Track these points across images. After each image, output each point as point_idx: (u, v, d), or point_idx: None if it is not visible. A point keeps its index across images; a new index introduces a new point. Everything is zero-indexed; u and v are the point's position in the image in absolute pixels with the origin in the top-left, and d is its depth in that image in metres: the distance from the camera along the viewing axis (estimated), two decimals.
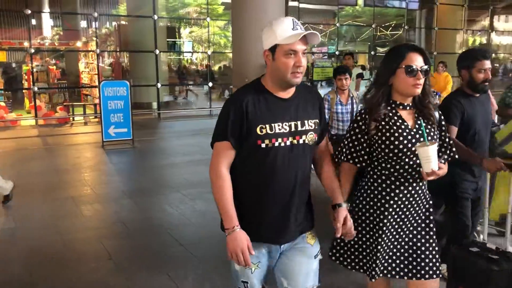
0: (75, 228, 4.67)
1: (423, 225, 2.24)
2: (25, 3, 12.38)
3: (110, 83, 9.69)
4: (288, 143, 1.95)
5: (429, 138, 2.12)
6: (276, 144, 1.93)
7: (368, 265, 2.24)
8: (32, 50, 12.82)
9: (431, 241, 2.25)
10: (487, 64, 3.09)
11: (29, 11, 12.44)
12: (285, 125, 1.94)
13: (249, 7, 10.14)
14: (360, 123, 2.15)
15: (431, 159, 2.00)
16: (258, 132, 1.91)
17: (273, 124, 1.93)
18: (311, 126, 2.00)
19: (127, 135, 9.24)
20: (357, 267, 2.29)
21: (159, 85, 13.96)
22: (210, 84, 15.58)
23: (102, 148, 8.88)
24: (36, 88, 12.70)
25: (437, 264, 2.25)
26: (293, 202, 2.00)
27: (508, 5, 23.28)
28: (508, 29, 25.18)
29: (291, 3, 16.35)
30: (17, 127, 11.94)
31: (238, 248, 1.90)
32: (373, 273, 2.21)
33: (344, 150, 2.21)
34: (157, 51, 13.82)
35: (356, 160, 2.18)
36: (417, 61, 2.06)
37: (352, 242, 2.26)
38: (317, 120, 2.03)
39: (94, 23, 14.10)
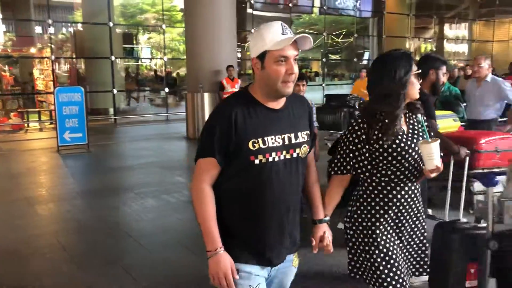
0: (30, 226, 4.95)
1: (419, 225, 2.28)
2: None
3: (65, 89, 9.88)
4: (282, 157, 1.80)
5: (424, 136, 2.15)
6: (270, 159, 1.78)
7: (376, 277, 2.18)
8: None
9: (424, 241, 2.31)
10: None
11: None
12: (278, 138, 1.79)
13: (201, 14, 10.62)
14: (359, 133, 2.10)
15: (433, 156, 2.03)
16: (251, 147, 1.75)
17: (265, 138, 1.77)
18: (304, 138, 1.87)
19: (82, 140, 9.44)
20: (372, 281, 2.20)
21: (115, 91, 14.16)
22: (167, 89, 15.92)
23: (57, 153, 9.05)
24: None
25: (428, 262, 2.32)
26: (289, 221, 1.88)
27: (452, 15, 24.79)
28: (453, 36, 26.72)
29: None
30: None
31: (221, 272, 1.75)
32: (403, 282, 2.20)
33: (342, 162, 2.15)
34: (113, 58, 14.02)
35: (359, 170, 2.15)
36: (415, 67, 2.14)
37: (374, 256, 2.15)
38: (308, 132, 1.91)
39: (49, 29, 14.12)
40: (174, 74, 20.82)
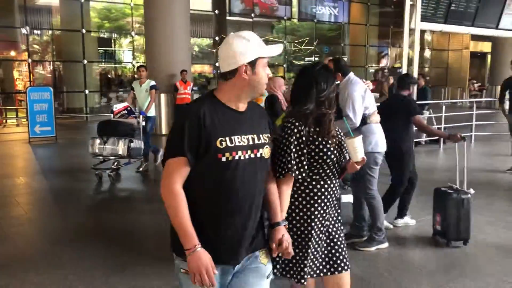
0: None
1: (337, 221, 2.41)
2: None
3: (36, 88, 11.44)
4: (247, 156, 1.87)
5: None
6: (237, 157, 1.84)
7: (295, 269, 2.30)
8: None
9: (342, 235, 2.42)
10: None
11: None
12: (244, 137, 1.87)
13: (159, 24, 12.24)
14: (298, 135, 2.21)
15: (358, 149, 2.27)
16: (218, 145, 1.80)
17: (232, 137, 1.83)
18: (266, 140, 1.95)
19: (51, 133, 10.95)
20: (284, 272, 2.32)
21: (87, 91, 15.64)
22: None
23: (28, 144, 10.51)
24: None
25: (347, 257, 2.41)
26: (251, 218, 1.92)
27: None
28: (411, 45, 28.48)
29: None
30: None
31: (202, 267, 1.79)
32: (303, 275, 2.28)
33: (287, 164, 2.18)
34: (85, 61, 15.51)
35: (302, 170, 2.22)
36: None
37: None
38: (269, 135, 2.00)
39: (27, 34, 15.54)
40: None
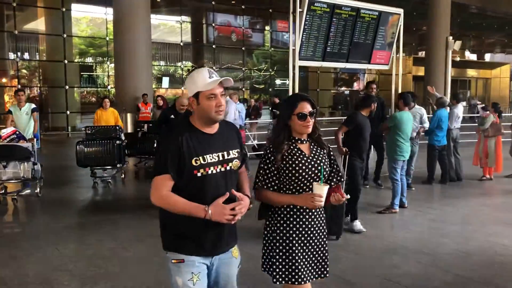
0: None
1: (322, 229, 2.62)
2: None
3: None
4: (218, 170, 2.27)
5: (325, 170, 2.55)
6: (209, 172, 2.24)
7: (291, 274, 2.51)
8: None
9: (326, 242, 2.66)
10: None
11: None
12: (215, 155, 2.26)
13: (124, 55, 15.04)
14: (269, 155, 2.52)
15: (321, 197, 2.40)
16: (194, 163, 2.20)
17: (205, 156, 2.23)
18: (235, 155, 2.35)
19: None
20: (280, 279, 2.53)
21: (68, 112, 18.37)
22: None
23: None
24: None
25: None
26: None
27: None
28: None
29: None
30: None
31: (223, 211, 2.17)
32: (300, 279, 2.50)
33: (259, 177, 2.54)
34: (67, 87, 18.29)
35: (269, 185, 2.52)
36: (306, 108, 2.51)
37: (277, 257, 2.53)
38: (238, 150, 2.38)
39: (16, 64, 18.31)
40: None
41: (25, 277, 4.33)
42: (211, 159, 2.25)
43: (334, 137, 5.67)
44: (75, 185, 9.00)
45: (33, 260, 4.74)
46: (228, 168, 2.32)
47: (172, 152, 2.21)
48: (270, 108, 19.29)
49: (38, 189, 7.50)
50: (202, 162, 2.23)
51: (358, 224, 5.58)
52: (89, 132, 8.65)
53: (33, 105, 8.22)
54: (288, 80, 10.19)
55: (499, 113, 9.00)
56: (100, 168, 8.44)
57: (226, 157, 2.31)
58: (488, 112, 8.99)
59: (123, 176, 9.10)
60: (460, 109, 8.84)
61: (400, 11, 11.58)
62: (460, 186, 8.40)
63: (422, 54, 29.07)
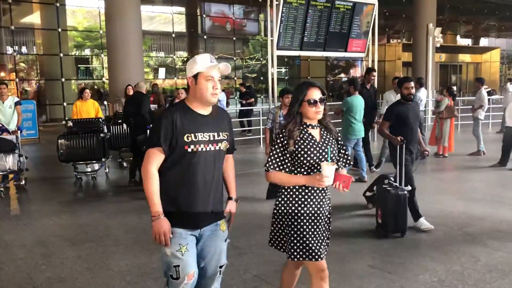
0: None
1: (328, 207, 2.82)
2: None
3: (22, 101, 14.73)
4: (208, 148, 2.48)
5: (332, 152, 2.71)
6: (199, 149, 2.45)
7: (309, 252, 2.67)
8: None
9: (331, 219, 2.87)
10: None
11: None
12: (206, 134, 2.47)
13: (117, 47, 15.58)
14: (282, 140, 2.70)
15: (329, 177, 2.55)
16: (185, 139, 2.41)
17: (196, 134, 2.44)
18: (224, 137, 2.56)
19: (35, 135, 14.34)
20: (298, 256, 2.69)
21: (65, 104, 19.07)
22: (105, 102, 20.78)
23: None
24: None
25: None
26: (211, 194, 2.54)
27: None
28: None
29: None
30: None
31: (161, 230, 2.36)
32: (316, 256, 2.68)
33: (271, 161, 2.71)
34: (63, 79, 18.95)
35: (281, 167, 2.71)
36: (315, 94, 2.67)
37: (289, 234, 2.70)
38: (228, 133, 2.59)
39: (14, 58, 18.96)
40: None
41: (24, 239, 5.22)
42: (202, 137, 2.47)
43: (381, 135, 5.52)
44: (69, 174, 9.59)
45: (31, 228, 5.62)
46: (217, 148, 2.54)
47: (166, 127, 2.41)
48: (236, 98, 20.25)
49: (23, 181, 7.71)
50: (193, 139, 2.44)
51: (424, 222, 5.14)
52: (71, 125, 8.26)
53: (16, 98, 8.39)
54: (271, 68, 10.82)
55: (453, 96, 9.65)
56: (83, 163, 8.17)
57: (216, 137, 2.52)
58: (443, 96, 9.71)
59: (106, 170, 8.75)
60: (423, 93, 9.51)
61: (374, 1, 12.13)
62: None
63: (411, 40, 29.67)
